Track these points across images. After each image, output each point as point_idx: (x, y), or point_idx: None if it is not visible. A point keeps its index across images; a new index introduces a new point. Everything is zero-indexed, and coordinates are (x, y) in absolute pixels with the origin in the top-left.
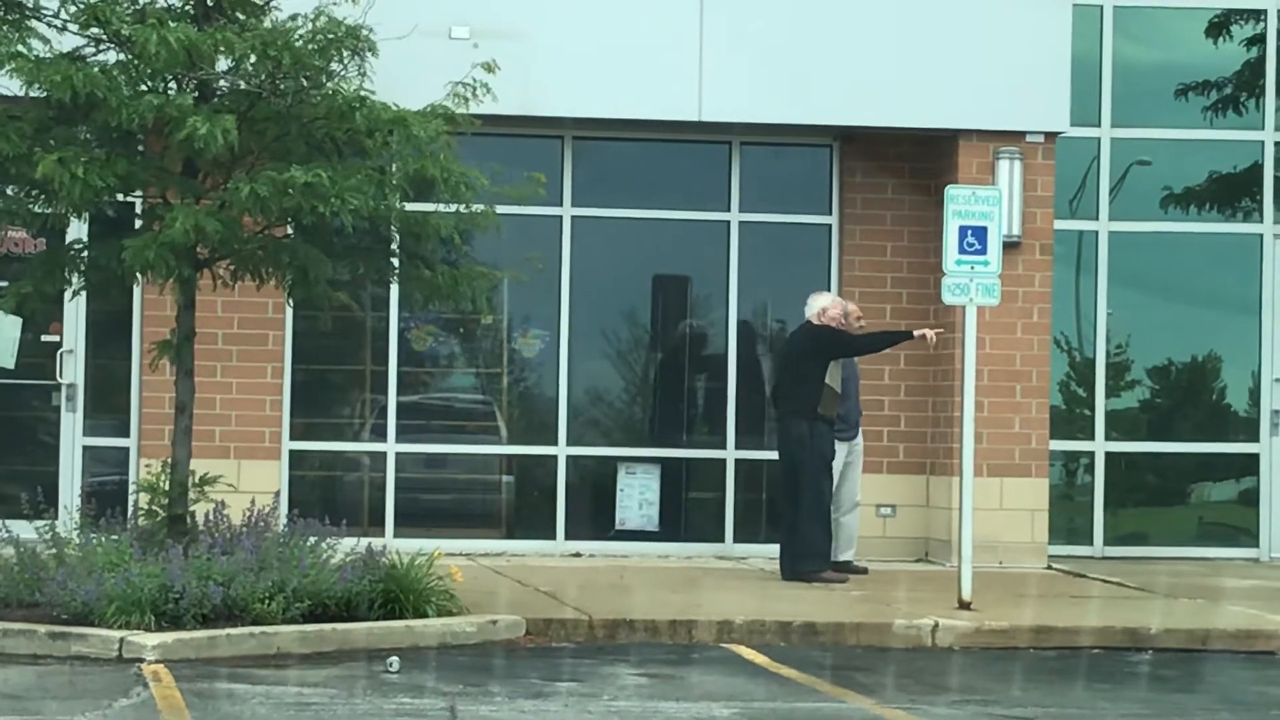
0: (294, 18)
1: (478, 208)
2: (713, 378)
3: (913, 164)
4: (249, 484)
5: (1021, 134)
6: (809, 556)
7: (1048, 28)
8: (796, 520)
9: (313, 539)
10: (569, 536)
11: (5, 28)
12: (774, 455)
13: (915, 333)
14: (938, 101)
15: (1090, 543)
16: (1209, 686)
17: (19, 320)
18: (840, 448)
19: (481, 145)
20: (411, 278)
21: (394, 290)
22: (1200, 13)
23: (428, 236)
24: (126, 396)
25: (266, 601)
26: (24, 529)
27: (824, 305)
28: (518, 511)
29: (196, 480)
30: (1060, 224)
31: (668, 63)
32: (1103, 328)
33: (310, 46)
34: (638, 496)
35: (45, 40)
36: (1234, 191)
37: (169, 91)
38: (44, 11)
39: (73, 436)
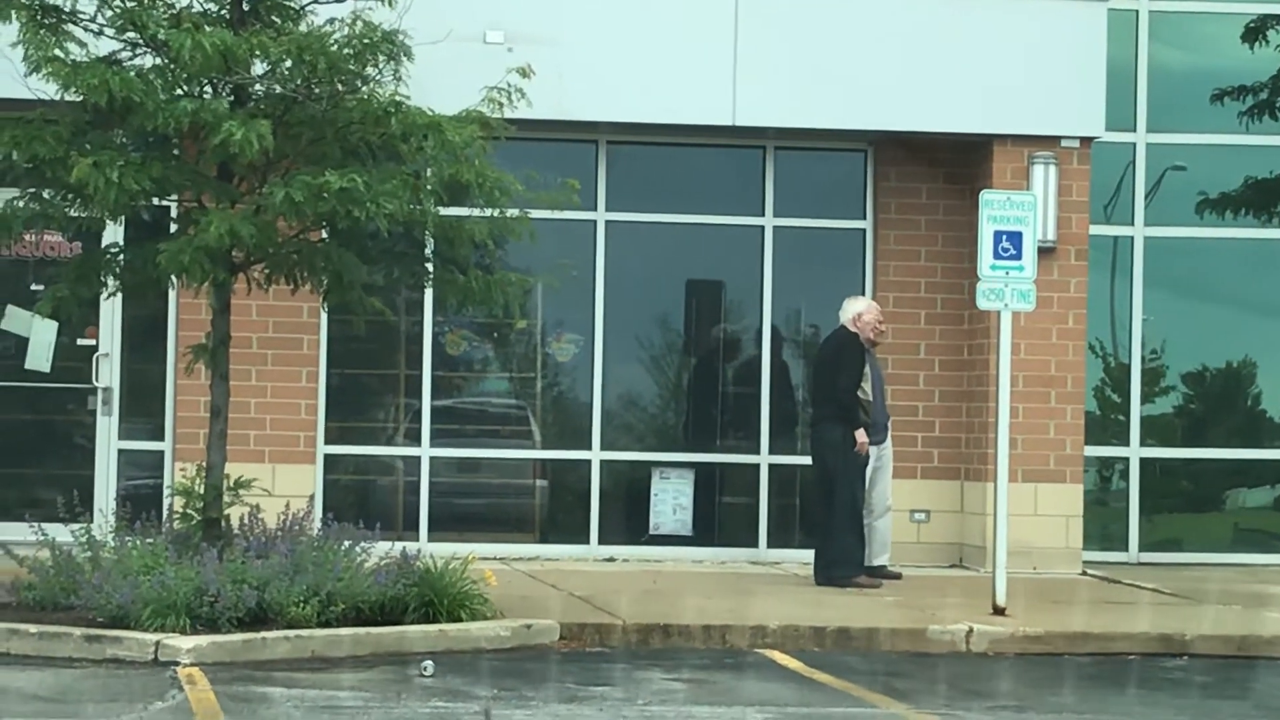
0: (330, 22)
1: (512, 213)
2: (746, 383)
3: (947, 169)
4: (283, 488)
5: (1056, 139)
6: (842, 562)
7: (1082, 32)
8: (829, 526)
9: (347, 543)
10: (603, 541)
11: (42, 32)
12: (808, 460)
13: (858, 435)
14: (972, 106)
15: (1125, 549)
16: (1244, 692)
17: (54, 324)
18: (870, 451)
19: (516, 149)
20: (445, 282)
21: (428, 295)
22: (1236, 17)
23: (462, 241)
24: (162, 400)
25: (301, 605)
26: (60, 532)
27: (859, 310)
28: (551, 516)
29: (231, 484)
30: (1095, 229)
31: (702, 67)
32: (1138, 333)
33: (346, 51)
34: (671, 501)
35: (82, 44)
36: (1270, 196)
37: (204, 96)
38: (81, 16)
39: (108, 440)
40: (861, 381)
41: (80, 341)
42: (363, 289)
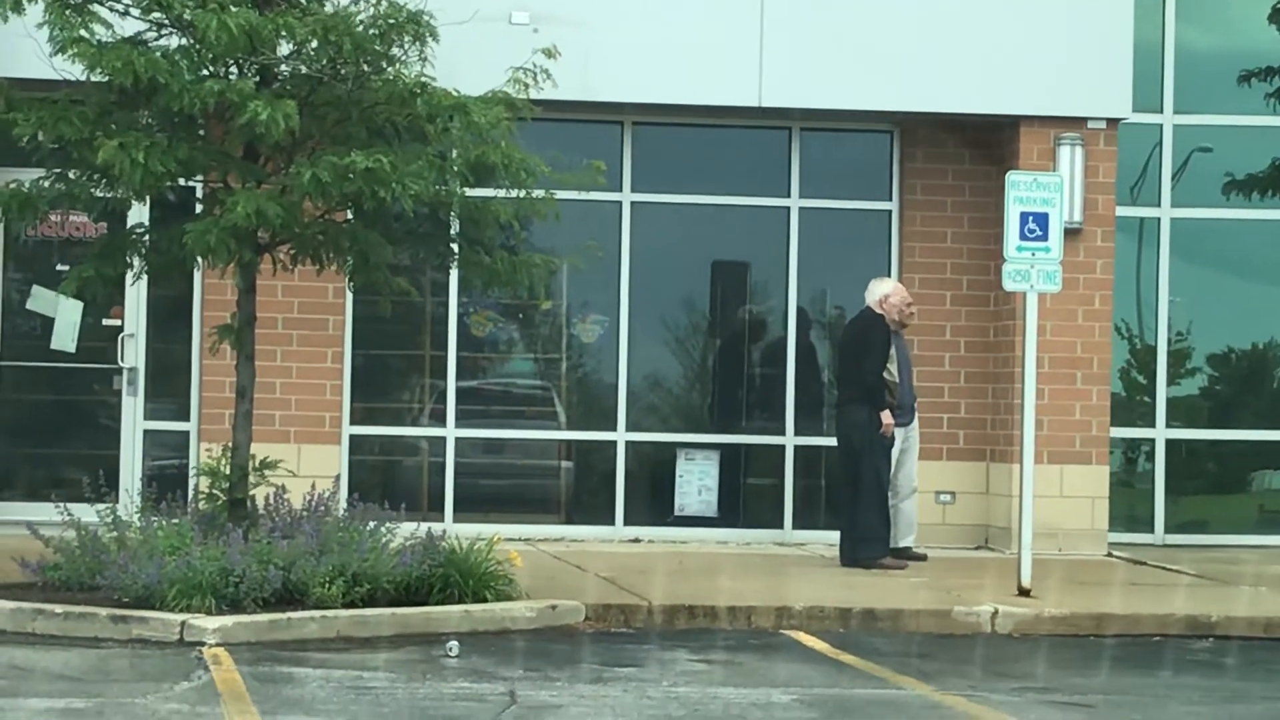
0: (355, 2)
1: (538, 193)
2: (772, 364)
3: (973, 150)
4: (309, 468)
5: (1083, 120)
6: (868, 542)
7: (1109, 13)
8: (855, 506)
9: (372, 523)
10: (628, 522)
11: (68, 12)
12: (833, 441)
13: (884, 417)
14: (999, 87)
15: (1151, 530)
16: (1271, 674)
17: (80, 304)
18: (896, 433)
19: (541, 131)
20: (471, 263)
21: (453, 275)
22: None
23: (487, 222)
24: (187, 380)
25: (326, 585)
26: (85, 512)
27: (886, 292)
28: (577, 497)
29: (257, 464)
30: (1122, 210)
31: (728, 48)
32: (1164, 314)
33: (371, 31)
34: (696, 482)
35: (107, 25)
36: None
37: (230, 76)
38: None
39: (133, 420)
40: (887, 363)
41: (105, 322)
42: (388, 269)
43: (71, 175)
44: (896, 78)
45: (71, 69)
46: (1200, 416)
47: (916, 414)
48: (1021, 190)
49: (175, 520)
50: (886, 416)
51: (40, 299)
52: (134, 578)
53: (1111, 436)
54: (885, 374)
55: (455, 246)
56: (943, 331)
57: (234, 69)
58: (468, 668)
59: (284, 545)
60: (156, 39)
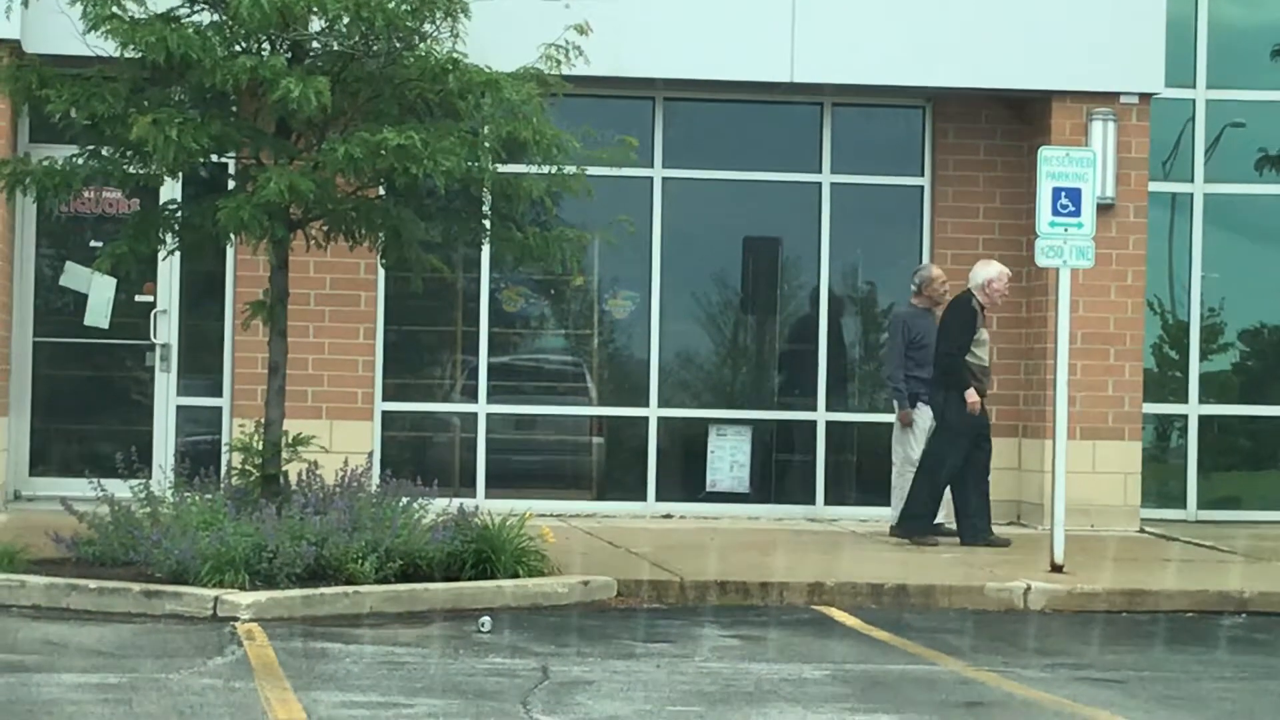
0: None
1: (569, 170)
2: (803, 340)
3: (1005, 125)
4: (341, 444)
5: (1115, 95)
6: (909, 517)
7: None
8: (914, 481)
9: (405, 499)
10: (660, 498)
11: None
12: (863, 417)
13: (968, 396)
14: (1031, 62)
15: (1183, 506)
16: None
17: (113, 280)
18: (924, 411)
19: (572, 106)
20: (503, 239)
21: (485, 251)
22: None
23: (519, 198)
24: (220, 356)
25: (359, 561)
26: (119, 488)
27: (989, 277)
28: (608, 473)
29: (289, 440)
30: (1154, 186)
31: (760, 23)
32: (1197, 290)
33: (403, 8)
34: (728, 458)
35: (140, 1)
36: None
37: (262, 52)
38: None
39: (167, 396)
40: (973, 346)
41: (139, 298)
42: (420, 246)
43: (105, 152)
44: (929, 53)
45: (104, 46)
46: (1233, 392)
47: None
48: (1054, 165)
49: (208, 496)
50: (971, 395)
51: (74, 275)
52: (167, 553)
53: (1144, 412)
54: (973, 357)
55: (487, 223)
56: None
57: (266, 45)
58: (500, 643)
59: (317, 521)
60: (189, 15)
